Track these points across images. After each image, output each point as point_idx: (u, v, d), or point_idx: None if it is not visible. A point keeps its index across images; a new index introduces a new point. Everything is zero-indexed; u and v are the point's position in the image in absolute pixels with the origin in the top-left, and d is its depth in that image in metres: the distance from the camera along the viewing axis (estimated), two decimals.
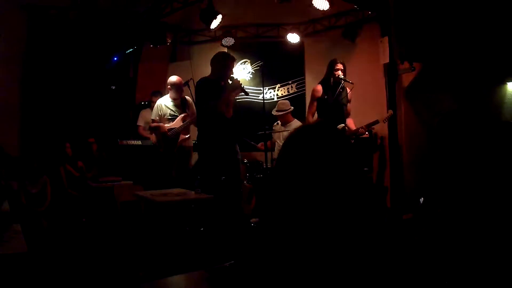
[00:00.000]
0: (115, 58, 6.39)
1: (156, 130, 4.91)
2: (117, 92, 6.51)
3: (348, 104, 4.77)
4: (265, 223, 1.00)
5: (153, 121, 4.97)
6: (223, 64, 4.12)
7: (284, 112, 5.48)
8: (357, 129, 4.60)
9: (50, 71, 5.92)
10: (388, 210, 4.68)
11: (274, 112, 5.59)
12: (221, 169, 4.09)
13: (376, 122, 4.61)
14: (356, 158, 1.02)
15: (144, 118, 5.91)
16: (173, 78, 4.97)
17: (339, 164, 0.96)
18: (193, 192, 3.92)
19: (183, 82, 4.91)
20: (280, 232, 0.94)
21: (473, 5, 4.55)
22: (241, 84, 4.08)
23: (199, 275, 1.62)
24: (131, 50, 6.32)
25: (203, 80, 4.14)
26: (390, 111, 4.79)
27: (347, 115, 4.75)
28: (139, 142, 5.81)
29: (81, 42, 6.04)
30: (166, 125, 4.87)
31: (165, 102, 4.96)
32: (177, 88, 4.92)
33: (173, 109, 4.93)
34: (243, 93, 4.14)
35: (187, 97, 4.98)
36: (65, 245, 4.33)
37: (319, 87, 4.69)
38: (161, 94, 5.91)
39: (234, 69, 4.26)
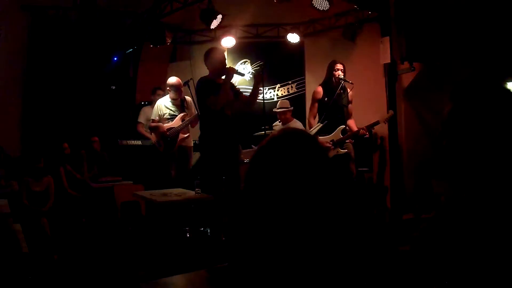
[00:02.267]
0: (115, 58, 6.39)
1: (155, 130, 4.91)
2: (117, 92, 6.51)
3: (350, 105, 4.77)
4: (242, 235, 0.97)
5: (153, 121, 4.97)
6: (215, 59, 4.14)
7: (285, 109, 5.49)
8: (358, 130, 4.60)
9: (51, 71, 5.92)
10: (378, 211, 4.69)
11: (275, 109, 5.62)
12: (222, 169, 4.08)
13: (377, 123, 4.61)
14: (331, 167, 0.98)
15: (146, 115, 5.89)
16: (172, 79, 4.98)
17: (314, 173, 0.93)
18: (193, 192, 3.92)
19: (182, 82, 4.91)
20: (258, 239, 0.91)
21: (473, 5, 4.55)
22: (234, 69, 4.14)
23: (199, 275, 1.62)
24: (131, 50, 6.32)
25: (201, 80, 4.17)
26: (391, 112, 4.79)
27: (349, 116, 4.75)
28: (139, 142, 5.81)
29: (81, 42, 6.04)
30: (165, 124, 4.88)
31: (164, 102, 4.97)
32: (176, 89, 4.92)
33: (172, 109, 4.94)
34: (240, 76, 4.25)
35: (186, 97, 4.98)
36: (65, 245, 4.33)
37: (320, 89, 4.69)
38: (162, 89, 5.91)
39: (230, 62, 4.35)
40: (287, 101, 5.66)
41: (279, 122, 5.66)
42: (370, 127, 4.67)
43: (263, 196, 0.92)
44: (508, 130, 0.97)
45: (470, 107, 1.01)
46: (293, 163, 0.92)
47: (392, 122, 5.04)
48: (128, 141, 5.81)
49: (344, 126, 4.64)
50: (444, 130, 1.04)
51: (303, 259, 0.87)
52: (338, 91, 4.56)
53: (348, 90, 4.69)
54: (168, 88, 4.96)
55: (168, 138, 4.81)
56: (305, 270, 0.86)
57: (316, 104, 4.69)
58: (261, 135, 5.08)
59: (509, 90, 1.03)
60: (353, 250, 0.90)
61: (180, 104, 4.96)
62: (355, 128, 4.66)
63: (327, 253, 0.87)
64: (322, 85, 4.72)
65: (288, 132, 1.01)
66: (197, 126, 4.93)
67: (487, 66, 4.78)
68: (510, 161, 0.98)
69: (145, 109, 5.97)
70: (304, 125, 5.39)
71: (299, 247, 0.87)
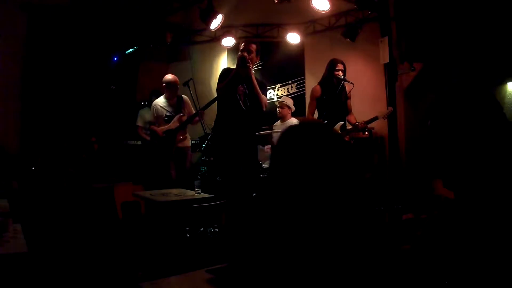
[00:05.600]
0: (115, 58, 6.39)
1: (153, 133, 4.93)
2: (117, 92, 6.51)
3: (348, 101, 4.79)
4: (260, 222, 0.98)
5: (151, 123, 4.97)
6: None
7: (284, 103, 5.50)
8: (356, 124, 4.61)
9: (50, 71, 5.92)
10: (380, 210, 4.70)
11: (277, 103, 5.64)
12: (229, 168, 3.95)
13: (376, 118, 4.61)
14: (352, 160, 1.00)
15: (143, 118, 5.91)
16: (168, 76, 4.97)
17: (336, 164, 0.95)
18: (193, 192, 3.92)
19: (178, 80, 4.90)
20: (275, 231, 0.93)
21: (473, 5, 4.55)
22: (241, 54, 3.85)
23: (199, 275, 1.62)
24: (131, 50, 6.32)
25: (223, 70, 4.11)
26: (390, 108, 4.80)
27: (348, 111, 4.78)
28: (139, 142, 5.82)
29: (81, 42, 6.04)
30: (162, 127, 4.88)
31: (159, 103, 4.95)
32: (172, 86, 4.90)
33: (168, 109, 4.92)
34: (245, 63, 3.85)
35: (183, 96, 4.97)
36: (65, 245, 4.33)
37: (318, 87, 4.72)
38: (160, 93, 5.91)
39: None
40: (292, 101, 5.67)
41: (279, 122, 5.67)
42: (368, 123, 4.68)
43: (291, 181, 0.94)
44: (474, 140, 1.10)
45: (444, 122, 1.22)
46: (315, 151, 0.94)
47: (391, 122, 5.05)
48: (128, 141, 5.82)
49: (343, 122, 4.66)
50: (428, 141, 1.27)
51: (313, 257, 0.87)
52: (337, 90, 4.59)
53: (347, 87, 4.71)
54: (164, 85, 4.94)
55: (166, 141, 4.81)
56: (310, 268, 0.86)
57: (315, 102, 4.72)
58: (262, 135, 5.07)
59: (476, 107, 1.15)
60: (357, 249, 0.90)
61: (175, 103, 4.94)
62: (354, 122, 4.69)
63: (334, 252, 0.88)
64: (320, 83, 4.74)
65: (307, 123, 1.03)
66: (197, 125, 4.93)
67: (487, 66, 4.78)
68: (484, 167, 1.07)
69: (143, 112, 5.98)
70: None
71: (313, 245, 0.88)
